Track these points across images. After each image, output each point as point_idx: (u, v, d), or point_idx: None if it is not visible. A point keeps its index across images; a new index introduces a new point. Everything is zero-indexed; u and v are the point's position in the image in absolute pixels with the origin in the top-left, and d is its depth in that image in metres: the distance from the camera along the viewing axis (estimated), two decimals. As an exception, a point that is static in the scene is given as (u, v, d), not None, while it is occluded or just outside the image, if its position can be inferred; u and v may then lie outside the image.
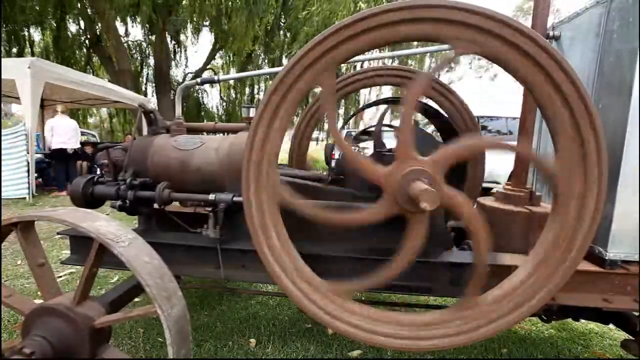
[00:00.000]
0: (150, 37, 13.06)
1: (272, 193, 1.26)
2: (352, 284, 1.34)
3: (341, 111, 15.61)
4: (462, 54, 1.13)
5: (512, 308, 1.25)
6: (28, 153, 6.42)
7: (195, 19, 11.97)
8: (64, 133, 7.28)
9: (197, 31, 13.29)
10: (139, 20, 11.43)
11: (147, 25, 11.58)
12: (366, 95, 15.10)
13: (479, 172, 2.41)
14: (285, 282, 1.29)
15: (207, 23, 12.80)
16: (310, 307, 1.29)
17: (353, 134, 5.18)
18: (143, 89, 14.15)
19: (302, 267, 1.31)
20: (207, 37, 13.70)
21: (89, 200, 1.82)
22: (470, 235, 1.22)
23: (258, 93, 14.83)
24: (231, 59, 12.22)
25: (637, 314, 1.64)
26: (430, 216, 1.22)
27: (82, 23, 12.09)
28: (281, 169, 1.94)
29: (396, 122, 2.26)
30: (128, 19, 12.00)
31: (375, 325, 1.29)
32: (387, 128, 2.64)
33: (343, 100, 12.41)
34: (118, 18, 11.66)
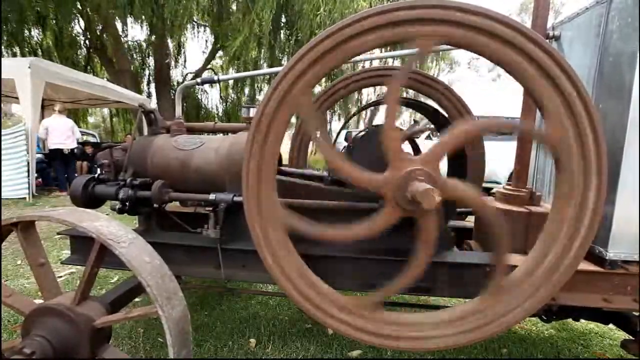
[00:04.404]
0: (150, 36, 13.03)
1: (275, 222, 1.25)
2: (375, 295, 1.30)
3: (341, 111, 15.62)
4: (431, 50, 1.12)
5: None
6: (28, 153, 6.42)
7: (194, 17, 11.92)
8: (60, 133, 7.24)
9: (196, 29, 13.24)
10: (134, 19, 11.29)
11: (146, 24, 11.51)
12: (369, 94, 15.07)
13: (479, 172, 2.41)
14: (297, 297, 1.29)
15: (206, 22, 12.77)
16: (337, 325, 1.28)
17: (353, 133, 5.18)
18: (143, 88, 14.12)
19: (309, 276, 1.30)
20: (207, 38, 13.68)
21: (89, 200, 1.82)
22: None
23: (259, 93, 14.79)
24: (230, 59, 12.17)
25: (637, 314, 1.64)
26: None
27: (82, 23, 12.06)
28: (281, 169, 1.93)
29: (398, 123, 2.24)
30: (128, 18, 11.95)
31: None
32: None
33: (342, 100, 12.39)
34: (117, 17, 11.61)
